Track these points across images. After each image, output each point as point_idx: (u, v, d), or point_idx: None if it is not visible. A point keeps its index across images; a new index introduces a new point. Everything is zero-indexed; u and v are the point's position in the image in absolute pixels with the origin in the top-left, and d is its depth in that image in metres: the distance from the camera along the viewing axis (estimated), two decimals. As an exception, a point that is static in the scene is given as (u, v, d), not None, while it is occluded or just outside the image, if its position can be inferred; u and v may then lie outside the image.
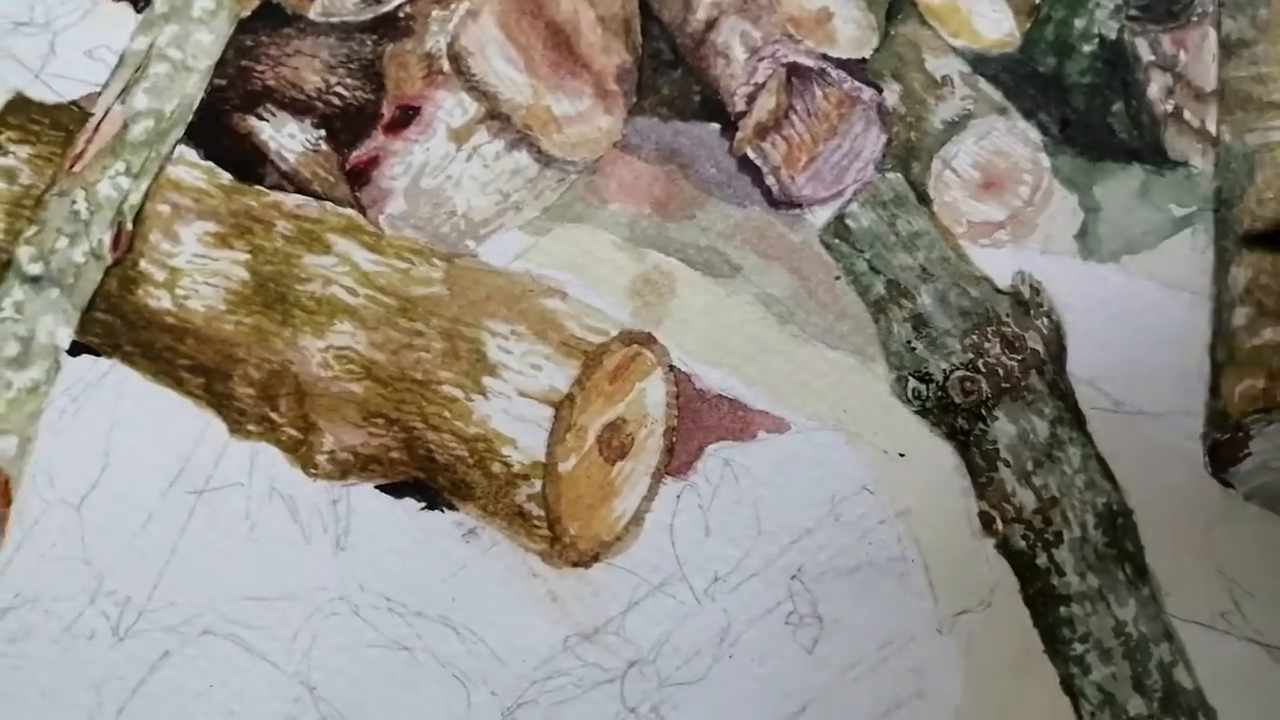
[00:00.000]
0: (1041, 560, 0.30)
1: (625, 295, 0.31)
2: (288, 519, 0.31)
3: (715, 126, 0.32)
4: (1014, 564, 0.30)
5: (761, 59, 0.33)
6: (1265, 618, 0.30)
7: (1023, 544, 0.30)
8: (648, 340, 0.31)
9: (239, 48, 0.33)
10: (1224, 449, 0.31)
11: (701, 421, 0.31)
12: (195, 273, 0.32)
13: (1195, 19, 0.33)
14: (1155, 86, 0.33)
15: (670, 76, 0.33)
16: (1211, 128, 0.33)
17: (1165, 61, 0.33)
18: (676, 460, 0.31)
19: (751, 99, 0.32)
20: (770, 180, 0.32)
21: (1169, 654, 0.29)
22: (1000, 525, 0.30)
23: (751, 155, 0.32)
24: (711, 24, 0.33)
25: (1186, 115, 0.33)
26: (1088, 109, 0.32)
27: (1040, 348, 0.31)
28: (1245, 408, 0.30)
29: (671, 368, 0.31)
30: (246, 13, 0.33)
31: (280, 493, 0.31)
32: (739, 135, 0.32)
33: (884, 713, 0.29)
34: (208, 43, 0.33)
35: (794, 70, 0.33)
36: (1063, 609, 0.30)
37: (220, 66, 0.33)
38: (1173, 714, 0.29)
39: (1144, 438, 0.31)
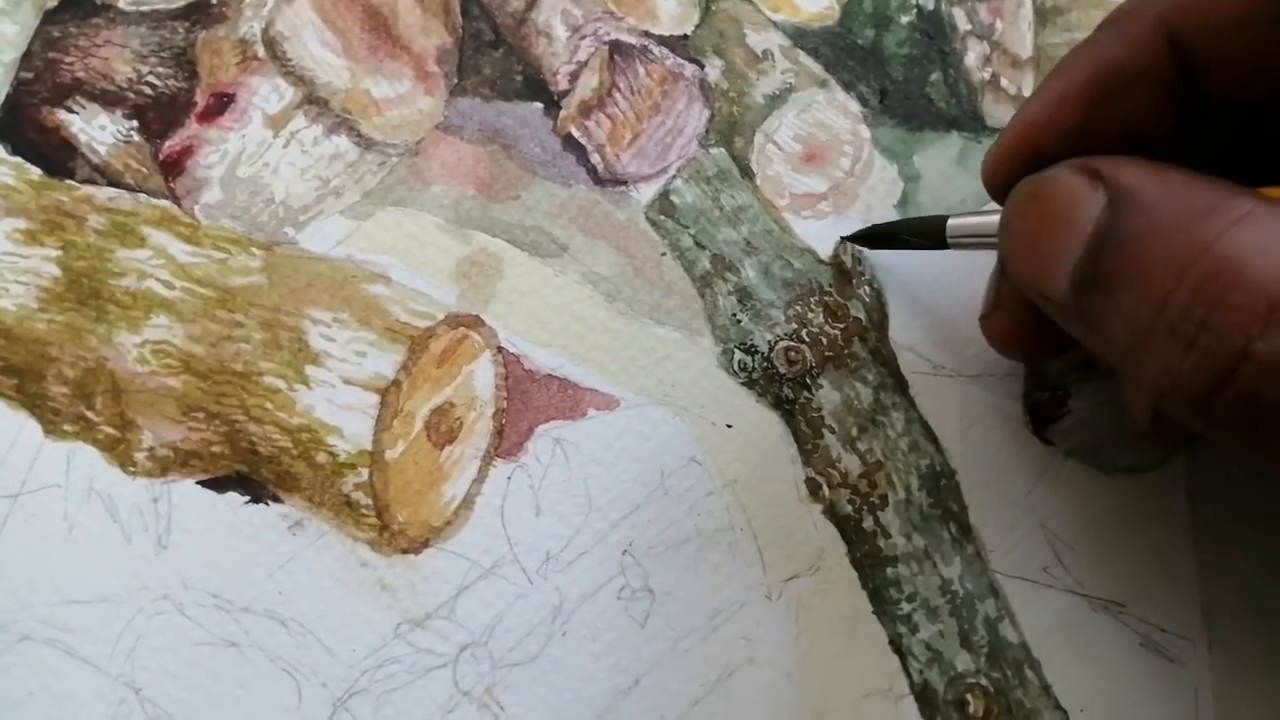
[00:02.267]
0: (868, 523, 0.30)
1: (451, 278, 0.31)
2: (107, 519, 0.30)
3: (538, 106, 0.32)
4: (841, 528, 0.30)
5: (583, 37, 0.33)
6: (1085, 569, 0.30)
7: (849, 508, 0.30)
8: (475, 323, 0.31)
9: (45, 39, 0.32)
10: (1044, 408, 0.31)
11: (531, 402, 0.31)
12: (5, 271, 0.31)
13: (1009, -11, 0.34)
14: (972, 55, 0.34)
15: (492, 56, 0.33)
16: (1028, 94, 0.34)
17: (982, 30, 0.34)
18: (506, 442, 0.30)
19: (574, 77, 0.32)
20: (595, 158, 0.32)
21: (995, 609, 0.30)
22: (827, 491, 0.30)
23: (575, 134, 0.32)
24: (532, 3, 0.33)
25: (1003, 82, 0.34)
26: (906, 79, 0.33)
27: (863, 316, 0.31)
28: (1065, 367, 0.31)
29: (500, 349, 0.31)
30: (53, 3, 0.32)
31: (99, 492, 0.30)
32: (562, 114, 0.32)
33: (716, 681, 0.29)
34: (12, 35, 0.32)
35: (616, 48, 0.33)
36: (890, 570, 0.30)
37: (26, 59, 0.32)
38: (999, 667, 0.30)
39: (965, 399, 0.31)
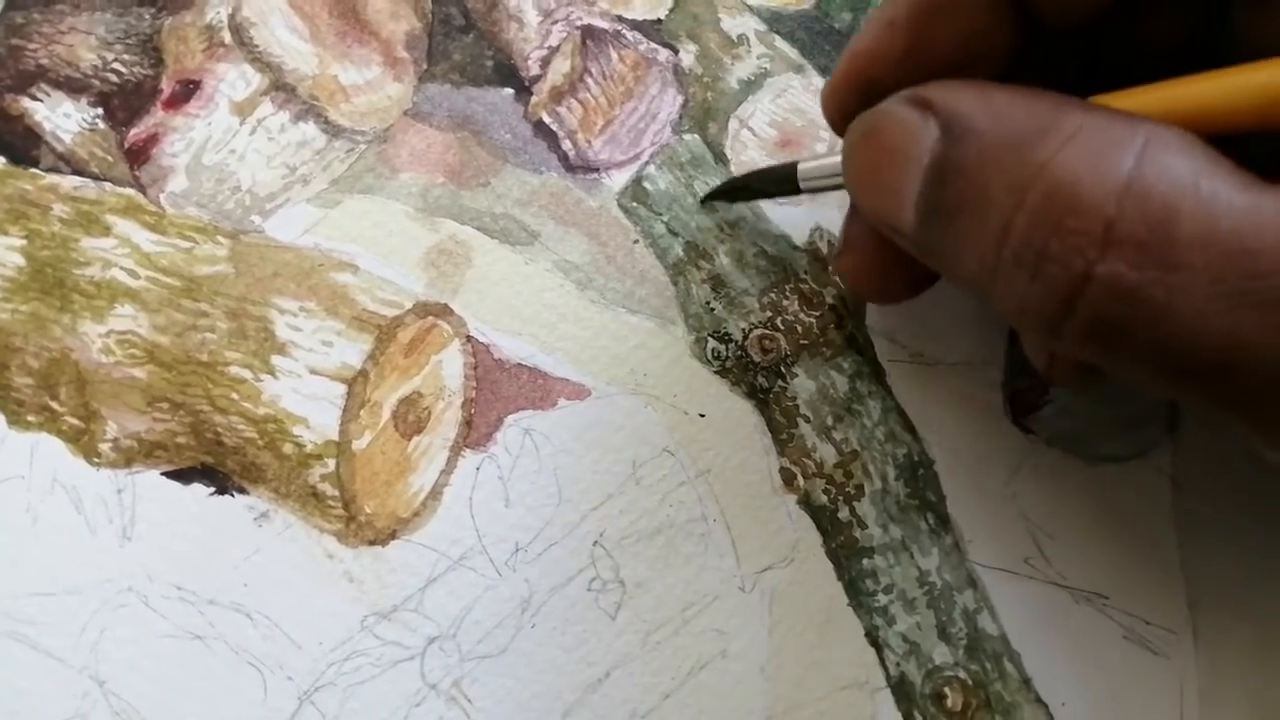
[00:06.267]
0: (843, 514, 0.30)
1: (419, 267, 0.31)
2: (71, 510, 0.29)
3: (509, 92, 0.32)
4: (816, 519, 0.30)
5: (555, 22, 0.32)
6: (1066, 560, 0.30)
7: (824, 499, 0.30)
8: (443, 312, 0.31)
9: (9, 26, 0.32)
10: (1025, 396, 0.31)
11: (500, 392, 0.30)
12: (-31, 261, 0.30)
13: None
14: (952, 39, 0.33)
15: (462, 42, 0.32)
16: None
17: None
18: (475, 432, 0.30)
19: (546, 63, 0.32)
20: (566, 145, 0.32)
21: (973, 601, 0.29)
22: (801, 481, 0.30)
23: (547, 120, 0.32)
24: (503, -12, 0.32)
25: (983, 67, 0.33)
26: (882, 63, 0.32)
27: (838, 303, 0.31)
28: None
29: (469, 339, 0.30)
30: (19, -10, 0.32)
31: (62, 484, 0.30)
32: (534, 100, 0.32)
33: (688, 674, 0.29)
34: (-23, 22, 0.32)
35: (588, 33, 0.32)
36: (866, 561, 0.29)
37: (-8, 46, 0.32)
38: (978, 660, 0.29)
39: (943, 388, 0.31)
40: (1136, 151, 0.19)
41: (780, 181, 0.28)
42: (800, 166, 0.28)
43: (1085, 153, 0.19)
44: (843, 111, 0.25)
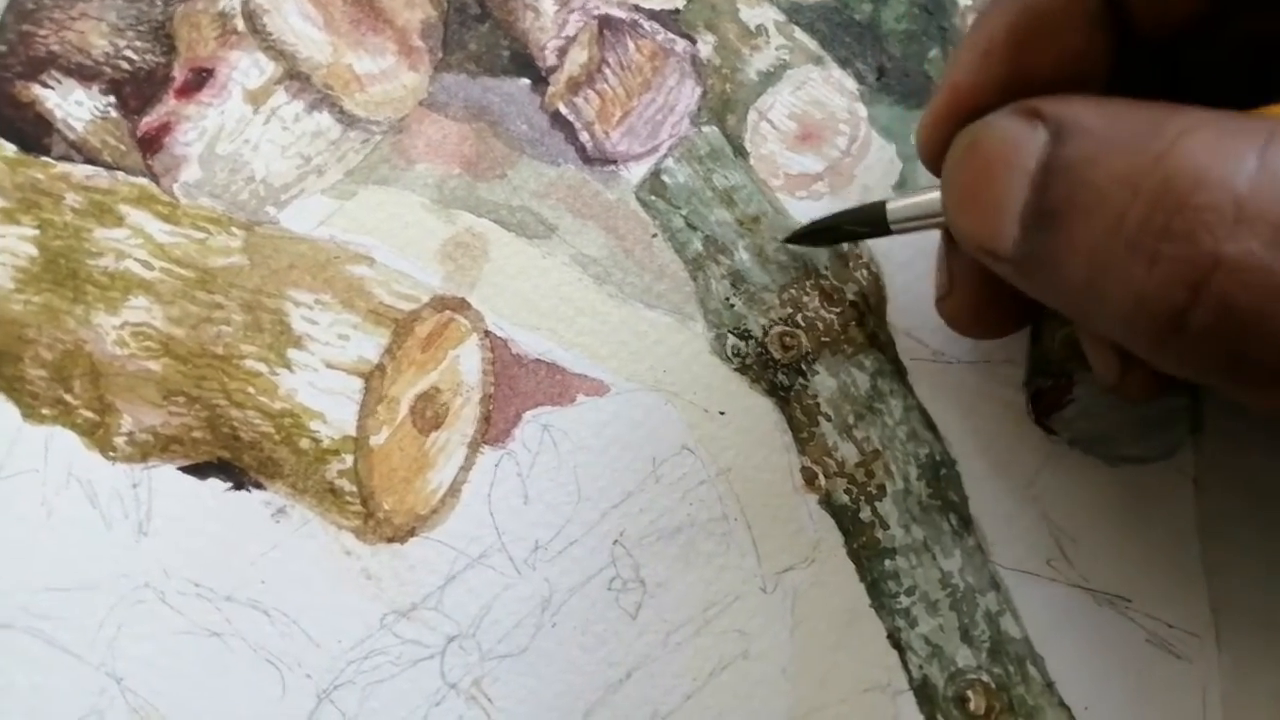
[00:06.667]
0: (865, 514, 0.29)
1: (436, 259, 0.30)
2: (87, 505, 0.29)
3: (526, 82, 0.31)
4: (838, 519, 0.29)
5: (572, 11, 0.32)
6: (1090, 562, 0.30)
7: (846, 498, 0.29)
8: (461, 305, 0.30)
9: (19, 11, 0.31)
10: (1047, 396, 0.30)
11: (519, 387, 0.30)
12: (-20, 251, 0.30)
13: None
14: (977, 30, 0.32)
15: (478, 31, 0.32)
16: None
17: (982, 5, 0.33)
18: (493, 428, 0.30)
19: (562, 53, 0.31)
20: (584, 136, 0.31)
21: (996, 603, 0.29)
22: (823, 480, 0.30)
23: (564, 111, 0.31)
24: (522, -25, 0.32)
25: (1009, 59, 0.32)
26: (904, 56, 0.32)
27: (860, 300, 0.30)
28: (1067, 353, 0.30)
29: (486, 333, 0.30)
30: (28, -26, 0.31)
31: (78, 478, 0.29)
32: (550, 90, 0.31)
33: (709, 675, 0.29)
34: (-14, 7, 0.31)
35: (605, 23, 0.32)
36: (888, 562, 0.29)
37: None
38: (1001, 663, 0.29)
39: (965, 387, 0.30)
40: (1262, 141, 0.17)
41: (869, 222, 0.27)
42: (890, 205, 0.27)
43: (1208, 138, 0.18)
44: (940, 145, 0.24)
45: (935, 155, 0.24)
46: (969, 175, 0.22)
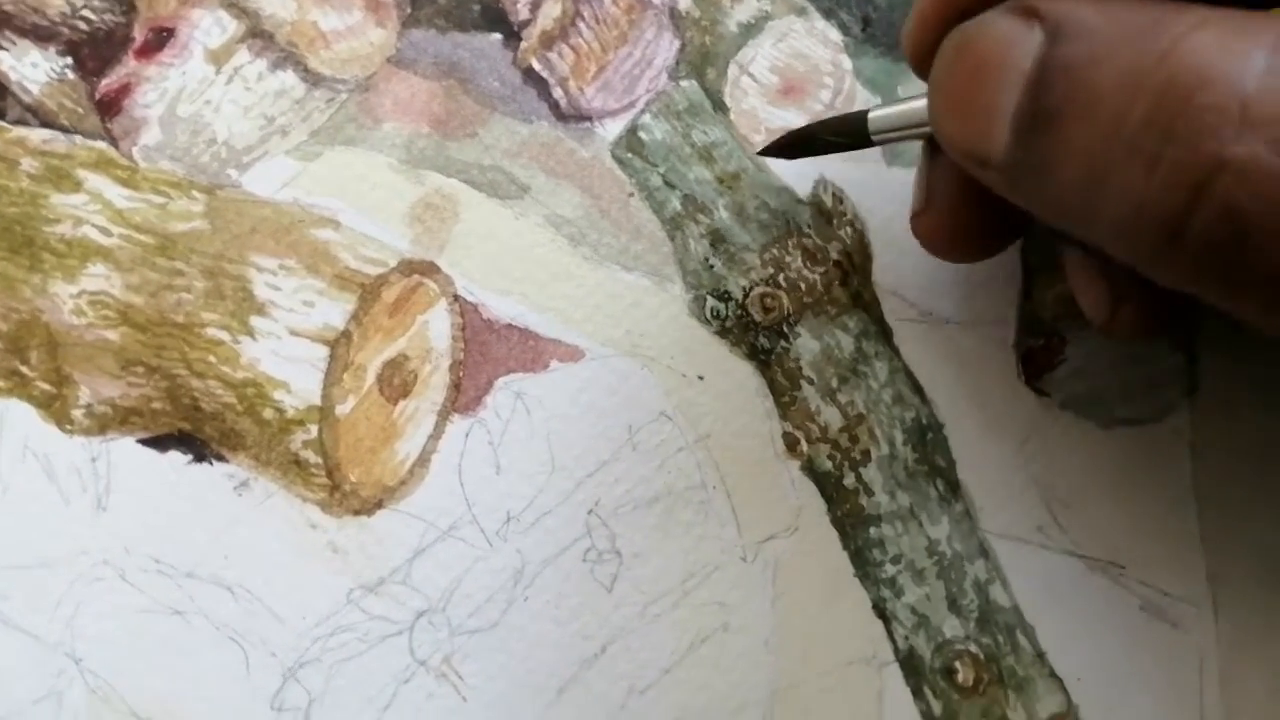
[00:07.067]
0: (849, 480, 0.28)
1: (404, 222, 0.29)
2: (43, 479, 0.28)
3: (497, 37, 0.30)
4: (820, 485, 0.28)
5: (545, -36, 0.30)
6: (1082, 529, 0.28)
7: (829, 464, 0.28)
8: (430, 269, 0.29)
9: (-29, -30, 0.30)
10: (1038, 356, 0.29)
11: (490, 353, 0.29)
12: (-67, 219, 0.29)
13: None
14: (965, -19, 0.31)
15: (446, -14, 0.30)
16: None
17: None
18: (464, 396, 0.29)
19: (535, 6, 0.30)
20: (558, 92, 0.30)
21: (985, 571, 0.28)
22: (805, 446, 0.29)
23: (537, 66, 0.30)
24: (491, -71, 0.31)
25: (998, 11, 0.31)
26: (890, 6, 0.31)
27: (844, 259, 0.29)
28: (1059, 311, 0.29)
29: (456, 298, 0.29)
30: (-20, -67, 0.30)
31: (34, 452, 0.28)
32: (523, 45, 0.30)
33: (689, 648, 0.28)
34: (-63, -34, 0.30)
35: (580, -25, 0.30)
36: (872, 530, 0.28)
37: (-47, -8, 0.30)
38: (990, 633, 0.28)
39: (953, 347, 0.29)
40: (1270, 41, 0.17)
41: (849, 132, 0.26)
42: (872, 114, 0.25)
43: (1214, 38, 0.17)
44: (929, 45, 0.22)
45: (923, 57, 0.23)
46: (959, 77, 0.21)
